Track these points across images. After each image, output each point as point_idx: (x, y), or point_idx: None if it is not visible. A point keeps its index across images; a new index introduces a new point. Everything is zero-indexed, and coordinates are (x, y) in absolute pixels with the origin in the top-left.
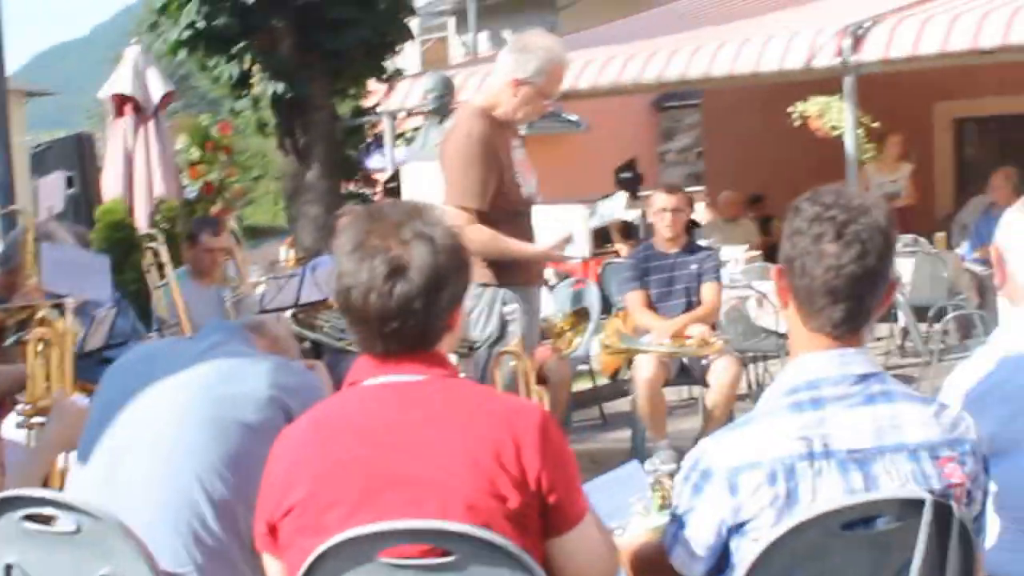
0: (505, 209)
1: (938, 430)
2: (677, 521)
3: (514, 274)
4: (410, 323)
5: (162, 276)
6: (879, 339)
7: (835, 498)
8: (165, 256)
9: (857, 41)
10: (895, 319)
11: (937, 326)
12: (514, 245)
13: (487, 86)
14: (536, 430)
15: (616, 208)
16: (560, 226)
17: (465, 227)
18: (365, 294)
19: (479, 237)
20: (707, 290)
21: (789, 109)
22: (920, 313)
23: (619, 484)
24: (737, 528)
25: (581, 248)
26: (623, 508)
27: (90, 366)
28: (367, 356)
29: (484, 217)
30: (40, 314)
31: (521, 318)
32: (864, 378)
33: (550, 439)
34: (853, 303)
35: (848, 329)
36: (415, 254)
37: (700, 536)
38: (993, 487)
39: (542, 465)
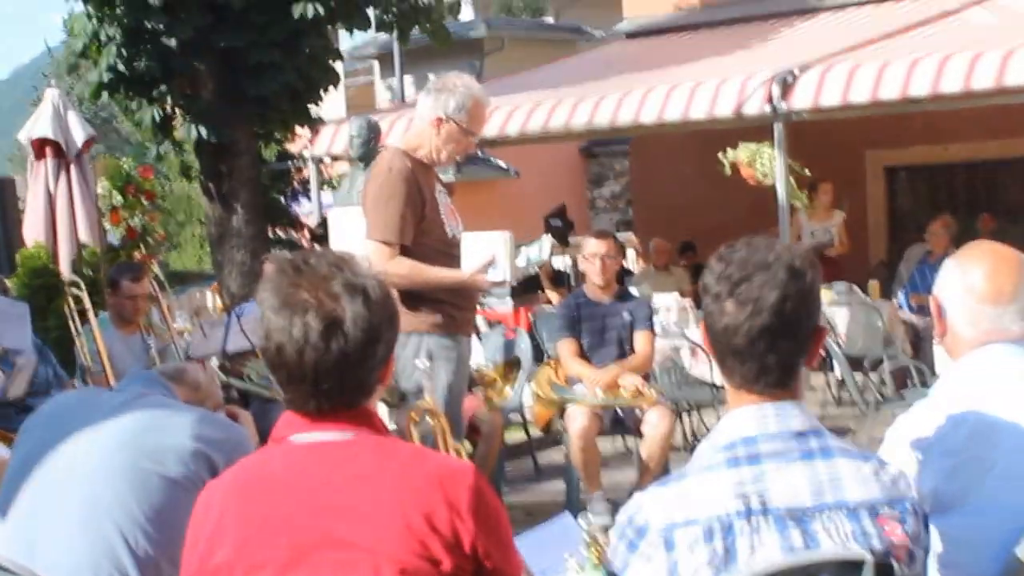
0: (429, 246)
1: (878, 488)
2: None
3: (445, 323)
4: (347, 379)
5: (85, 323)
6: (813, 389)
7: (774, 556)
8: (87, 303)
9: (787, 88)
10: (831, 368)
11: (873, 376)
12: (437, 273)
13: (412, 130)
14: (469, 492)
15: (542, 252)
16: (484, 247)
17: (386, 263)
18: (299, 351)
19: (400, 270)
20: (640, 339)
21: (719, 155)
22: (855, 363)
23: (552, 539)
24: None
25: (503, 271)
26: (557, 564)
27: (11, 414)
28: (294, 412)
29: (407, 253)
30: None
31: (447, 367)
32: (802, 434)
33: (484, 501)
34: (756, 361)
35: (768, 384)
36: (348, 307)
37: None
38: (936, 544)
39: (476, 529)
